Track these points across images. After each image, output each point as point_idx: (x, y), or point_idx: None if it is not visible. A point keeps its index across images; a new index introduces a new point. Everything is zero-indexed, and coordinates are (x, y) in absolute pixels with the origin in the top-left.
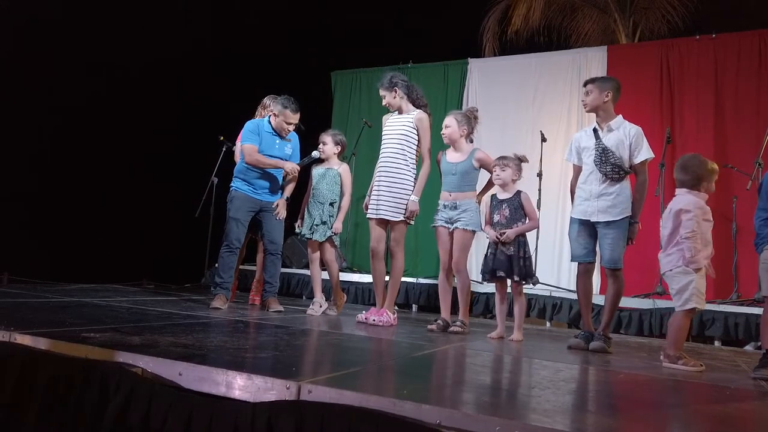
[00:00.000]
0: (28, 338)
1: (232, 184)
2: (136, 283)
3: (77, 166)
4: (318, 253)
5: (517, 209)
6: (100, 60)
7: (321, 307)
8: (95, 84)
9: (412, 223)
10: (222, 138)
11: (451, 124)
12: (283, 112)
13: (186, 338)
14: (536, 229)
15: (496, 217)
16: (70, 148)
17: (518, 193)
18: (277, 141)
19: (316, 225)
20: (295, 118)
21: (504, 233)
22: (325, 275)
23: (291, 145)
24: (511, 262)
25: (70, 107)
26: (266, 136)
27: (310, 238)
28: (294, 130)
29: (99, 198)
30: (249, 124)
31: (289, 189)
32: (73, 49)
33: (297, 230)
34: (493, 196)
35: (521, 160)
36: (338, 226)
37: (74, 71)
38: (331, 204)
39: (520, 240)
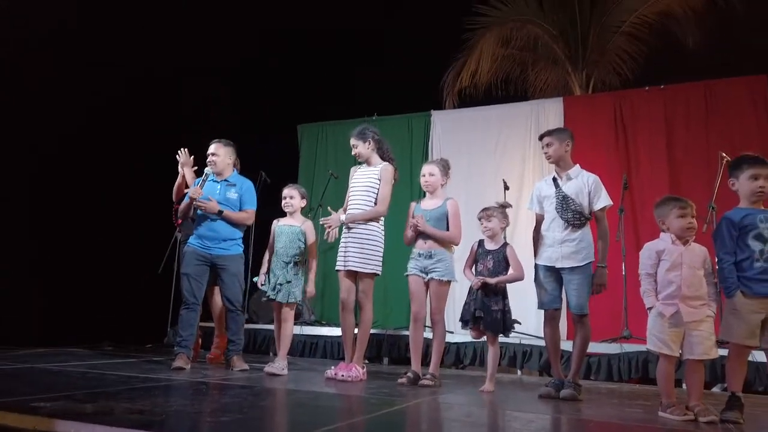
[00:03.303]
0: None
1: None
2: (95, 345)
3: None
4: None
5: (501, 262)
6: (100, 59)
7: (283, 368)
8: (95, 84)
9: (380, 274)
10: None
11: (435, 173)
12: None
13: (143, 403)
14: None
15: (480, 267)
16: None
17: (504, 245)
18: (218, 187)
19: (280, 284)
20: (210, 149)
21: (483, 280)
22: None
23: (236, 190)
24: (490, 312)
25: (70, 108)
26: (207, 184)
27: (274, 300)
28: (263, 182)
29: (57, 257)
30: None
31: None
32: (73, 49)
33: (259, 286)
34: (481, 243)
35: (504, 206)
36: (311, 289)
37: (74, 71)
38: (295, 263)
39: (500, 292)
